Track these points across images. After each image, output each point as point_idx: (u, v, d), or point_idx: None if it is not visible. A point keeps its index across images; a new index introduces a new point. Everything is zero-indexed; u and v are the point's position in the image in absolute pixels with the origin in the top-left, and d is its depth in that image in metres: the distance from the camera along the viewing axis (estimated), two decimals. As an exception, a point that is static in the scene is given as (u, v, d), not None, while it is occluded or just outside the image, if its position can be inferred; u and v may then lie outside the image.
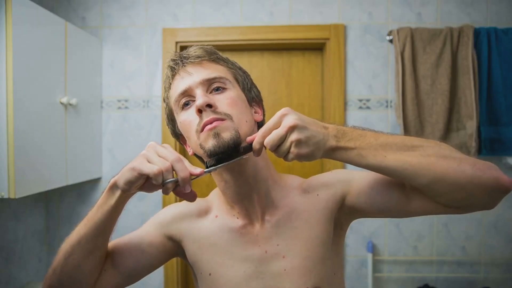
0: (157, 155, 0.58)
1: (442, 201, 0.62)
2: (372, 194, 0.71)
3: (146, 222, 0.83)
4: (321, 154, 0.62)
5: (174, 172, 0.58)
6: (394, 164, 0.60)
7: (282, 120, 0.60)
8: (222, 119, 0.67)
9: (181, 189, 0.59)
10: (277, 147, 0.61)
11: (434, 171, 0.58)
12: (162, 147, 0.59)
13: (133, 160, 0.58)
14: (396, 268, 1.86)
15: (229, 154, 0.66)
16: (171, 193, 0.60)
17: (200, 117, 0.68)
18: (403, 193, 0.67)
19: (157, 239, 0.79)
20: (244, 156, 0.66)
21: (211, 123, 0.67)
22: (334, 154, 0.62)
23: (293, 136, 0.59)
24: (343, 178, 0.77)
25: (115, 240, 0.77)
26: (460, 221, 1.84)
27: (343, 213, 0.77)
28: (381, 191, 0.70)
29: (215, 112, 0.68)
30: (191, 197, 0.62)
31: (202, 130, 0.68)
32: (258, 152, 0.63)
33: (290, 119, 0.59)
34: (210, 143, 0.66)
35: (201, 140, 0.69)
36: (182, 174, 0.57)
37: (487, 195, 0.58)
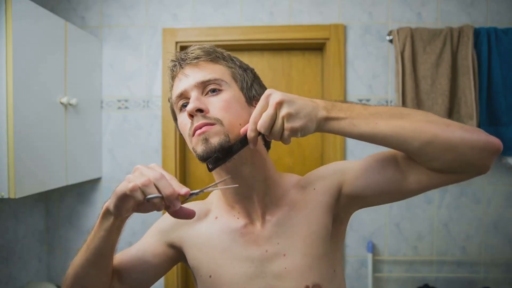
0: (141, 175, 0.56)
1: (436, 165, 0.62)
2: (368, 176, 0.71)
3: (147, 230, 0.84)
4: (314, 126, 0.62)
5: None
6: (387, 130, 0.61)
7: (268, 101, 0.62)
8: (212, 124, 0.67)
9: (171, 208, 0.56)
10: (271, 129, 0.62)
11: (425, 133, 0.60)
12: (147, 167, 0.57)
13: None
14: (396, 268, 1.86)
15: (225, 154, 0.66)
16: None
17: (192, 121, 0.69)
18: (397, 170, 0.68)
19: (159, 248, 0.79)
20: (242, 149, 0.66)
21: (200, 128, 0.68)
22: (327, 125, 0.63)
23: (283, 111, 0.60)
24: (338, 168, 0.77)
25: (119, 254, 0.78)
26: (460, 221, 1.84)
27: (342, 204, 0.77)
28: (376, 171, 0.70)
29: (205, 117, 0.68)
30: (188, 216, 0.59)
31: (193, 134, 0.69)
32: (254, 142, 0.64)
33: (276, 97, 0.61)
34: (200, 148, 0.68)
35: (193, 144, 0.70)
36: (166, 191, 0.54)
37: (479, 156, 0.59)
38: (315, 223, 0.74)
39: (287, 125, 0.61)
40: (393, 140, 0.62)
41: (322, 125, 0.63)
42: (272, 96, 0.61)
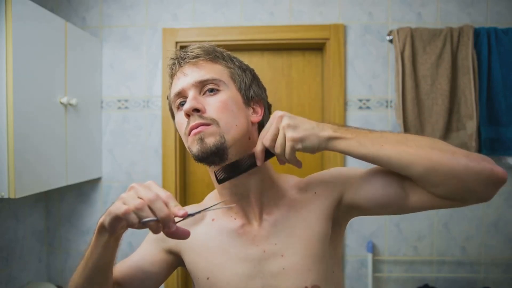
0: (136, 196, 0.54)
1: (438, 192, 0.63)
2: (370, 189, 0.71)
3: (147, 233, 0.84)
4: (317, 141, 0.65)
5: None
6: (391, 153, 0.62)
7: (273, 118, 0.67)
8: (208, 124, 0.68)
9: (165, 230, 0.54)
10: (274, 143, 0.66)
11: (429, 160, 0.60)
12: (143, 187, 0.55)
13: (113, 203, 0.57)
14: (396, 268, 1.86)
15: (235, 168, 0.68)
16: None
17: (188, 120, 0.69)
18: (401, 188, 0.68)
19: (157, 256, 0.80)
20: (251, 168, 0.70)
21: (196, 127, 0.68)
22: (333, 143, 0.65)
23: (283, 122, 0.65)
24: (341, 176, 0.77)
25: (119, 264, 0.78)
26: (460, 221, 1.84)
27: (341, 211, 0.77)
28: (379, 185, 0.70)
29: (201, 117, 0.68)
30: (183, 236, 0.56)
31: (189, 134, 0.69)
32: (260, 157, 0.68)
33: (279, 113, 0.67)
34: (195, 148, 0.68)
35: (189, 143, 0.70)
36: (161, 214, 0.52)
37: (482, 186, 0.60)
38: (315, 226, 0.74)
39: (287, 135, 0.64)
40: (397, 164, 0.63)
41: (328, 144, 0.65)
42: (275, 112, 0.68)
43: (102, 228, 0.59)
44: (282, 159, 0.68)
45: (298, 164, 0.69)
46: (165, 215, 0.53)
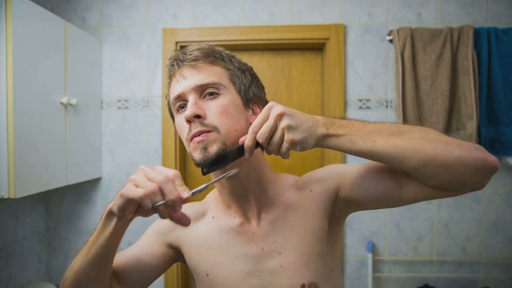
0: (146, 178, 0.54)
1: (432, 183, 0.63)
2: (365, 183, 0.72)
3: (145, 231, 0.84)
4: (313, 141, 0.63)
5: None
6: (384, 148, 0.62)
7: (270, 113, 0.62)
8: (209, 131, 0.68)
9: (171, 212, 0.55)
10: (270, 140, 0.62)
11: (422, 153, 0.60)
12: (152, 169, 0.56)
13: (124, 186, 0.57)
14: (396, 268, 1.86)
15: (220, 160, 0.67)
16: None
17: (189, 126, 0.69)
18: (394, 180, 0.68)
19: (157, 249, 0.80)
20: (238, 159, 0.67)
21: (198, 135, 0.68)
22: (326, 141, 0.64)
23: (283, 123, 0.61)
24: (336, 172, 0.78)
25: (118, 255, 0.77)
26: (460, 221, 1.84)
27: (338, 207, 0.77)
28: (373, 179, 0.71)
29: (202, 123, 0.68)
30: (185, 222, 0.58)
31: (191, 139, 0.69)
32: (250, 151, 0.64)
33: (277, 109, 0.62)
34: (197, 156, 0.68)
35: (190, 149, 0.70)
36: (171, 196, 0.53)
37: (475, 175, 0.60)
38: (312, 224, 0.75)
39: (287, 137, 0.61)
40: (391, 159, 0.62)
41: (321, 141, 0.64)
42: (273, 109, 0.62)
43: (110, 214, 0.59)
44: (272, 153, 0.66)
45: (287, 157, 0.66)
46: (175, 197, 0.53)
